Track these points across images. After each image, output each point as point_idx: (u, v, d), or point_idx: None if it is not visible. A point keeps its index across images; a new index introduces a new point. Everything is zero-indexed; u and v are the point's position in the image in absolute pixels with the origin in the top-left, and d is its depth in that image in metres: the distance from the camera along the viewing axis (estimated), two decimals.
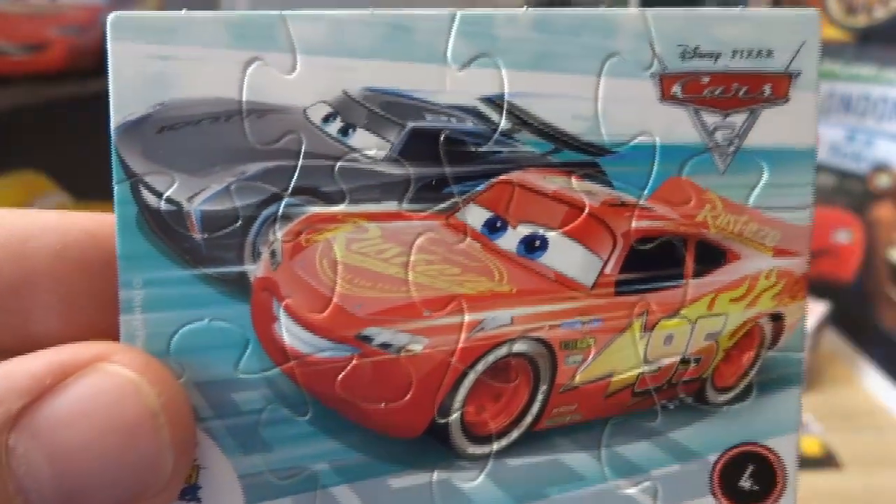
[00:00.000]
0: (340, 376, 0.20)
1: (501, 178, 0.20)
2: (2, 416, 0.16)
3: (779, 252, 0.21)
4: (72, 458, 0.17)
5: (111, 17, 0.19)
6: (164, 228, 0.19)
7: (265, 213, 0.19)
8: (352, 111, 0.19)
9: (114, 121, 0.19)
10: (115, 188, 0.19)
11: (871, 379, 0.77)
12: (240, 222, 0.19)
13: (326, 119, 0.19)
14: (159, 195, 0.19)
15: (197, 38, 0.19)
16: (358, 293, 0.20)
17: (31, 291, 0.19)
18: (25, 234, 0.19)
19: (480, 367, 0.20)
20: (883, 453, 0.68)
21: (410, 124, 0.19)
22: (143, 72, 0.19)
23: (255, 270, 0.19)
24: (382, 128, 0.19)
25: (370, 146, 0.19)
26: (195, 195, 0.19)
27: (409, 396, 0.20)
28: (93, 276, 0.19)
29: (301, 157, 0.19)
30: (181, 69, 0.19)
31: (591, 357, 0.21)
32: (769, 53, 0.20)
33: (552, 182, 0.20)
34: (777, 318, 0.21)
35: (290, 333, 0.20)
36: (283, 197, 0.19)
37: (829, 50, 0.75)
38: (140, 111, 0.19)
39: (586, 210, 0.20)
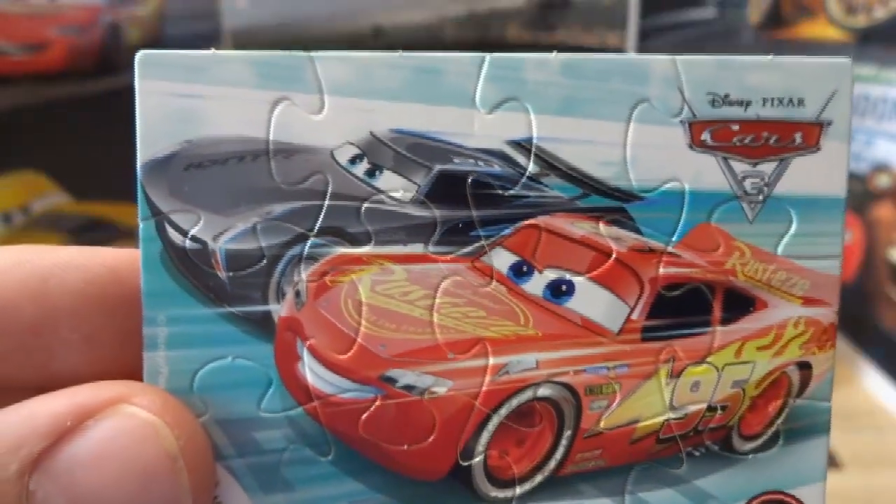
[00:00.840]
0: (363, 417, 0.20)
1: (528, 222, 0.20)
2: (23, 458, 0.16)
3: (807, 301, 0.21)
4: (91, 501, 0.17)
5: (139, 55, 0.19)
6: (188, 266, 0.19)
7: (290, 252, 0.19)
8: (379, 153, 0.19)
9: (140, 158, 0.19)
10: (141, 225, 0.19)
11: (871, 379, 0.77)
12: (265, 262, 0.19)
13: (353, 160, 0.19)
14: (185, 233, 0.19)
15: (224, 78, 0.19)
16: (382, 334, 0.20)
17: (53, 330, 0.19)
18: (47, 273, 0.19)
19: (504, 410, 0.20)
20: (883, 453, 0.68)
21: (438, 167, 0.19)
22: (170, 110, 0.19)
23: (280, 310, 0.20)
24: (409, 170, 0.19)
25: (397, 188, 0.20)
26: (220, 234, 0.19)
27: (432, 439, 0.20)
28: (115, 313, 0.19)
29: (327, 197, 0.19)
30: (208, 108, 0.19)
31: (616, 403, 0.21)
32: (800, 102, 0.20)
33: (579, 227, 0.20)
34: (805, 367, 0.22)
35: (313, 373, 0.20)
36: (309, 237, 0.19)
37: (829, 50, 0.75)
38: (167, 149, 0.19)
39: (613, 256, 0.20)
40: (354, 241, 0.19)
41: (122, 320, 0.19)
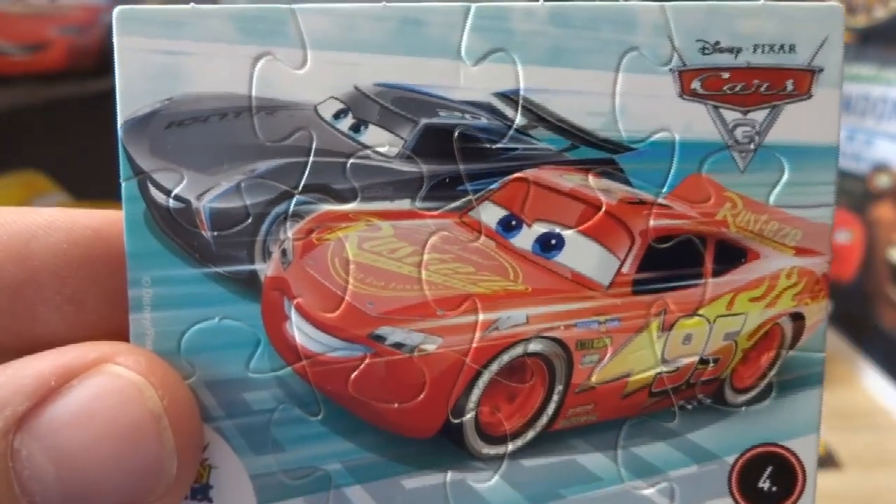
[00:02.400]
0: (353, 376, 0.20)
1: (517, 175, 0.20)
2: (8, 418, 0.16)
3: (800, 251, 0.21)
4: (75, 460, 0.17)
5: (117, 11, 0.19)
6: (172, 226, 0.19)
7: (275, 210, 0.19)
8: (363, 107, 0.19)
9: (120, 116, 0.19)
10: (123, 185, 0.19)
11: (871, 379, 0.77)
12: (250, 220, 0.19)
13: (337, 115, 0.19)
14: (168, 192, 0.19)
15: (204, 33, 0.19)
16: (370, 292, 0.20)
17: (36, 292, 0.18)
18: (28, 234, 0.18)
19: (495, 366, 0.20)
20: (883, 453, 0.68)
21: (423, 121, 0.19)
22: (150, 67, 0.18)
23: (266, 269, 0.19)
24: (395, 124, 0.19)
25: (382, 143, 0.19)
26: (204, 192, 0.19)
27: (422, 396, 0.20)
28: (99, 275, 0.19)
29: (312, 154, 0.19)
30: (189, 64, 0.18)
31: (607, 357, 0.21)
32: (791, 48, 0.19)
33: (568, 180, 0.20)
34: (798, 318, 0.22)
35: (301, 332, 0.20)
36: (294, 195, 0.19)
37: None
38: (147, 107, 0.19)
39: (603, 208, 0.20)
40: (340, 197, 0.19)
41: (107, 282, 0.19)
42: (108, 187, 1.04)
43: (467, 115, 0.19)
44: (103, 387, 0.17)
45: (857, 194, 0.77)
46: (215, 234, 0.19)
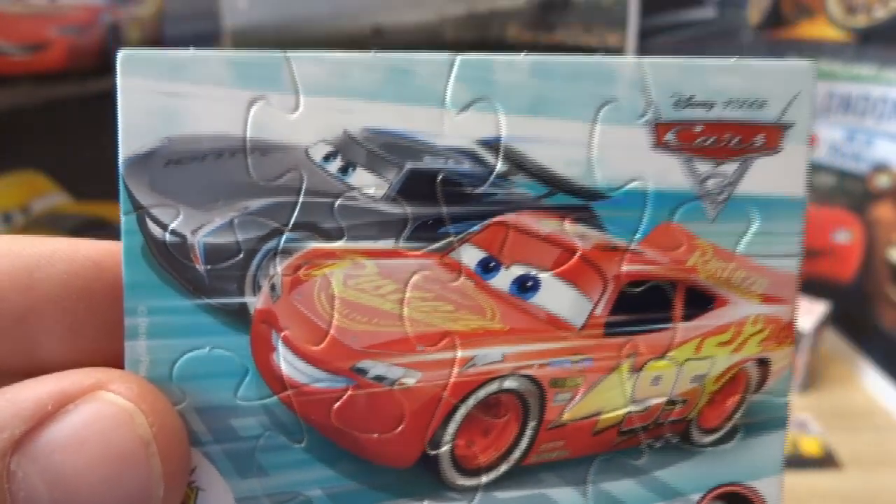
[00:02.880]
0: (335, 406, 0.20)
1: (496, 219, 0.20)
2: (5, 441, 0.17)
3: (766, 299, 0.21)
4: (68, 484, 0.17)
5: (121, 54, 0.20)
6: (168, 259, 0.20)
7: (266, 247, 0.20)
8: (352, 150, 0.20)
9: (122, 154, 0.20)
10: (123, 219, 0.20)
11: (871, 379, 0.77)
12: (241, 255, 0.20)
13: (327, 158, 0.20)
14: (165, 227, 0.20)
15: (203, 77, 0.20)
16: (354, 327, 0.20)
17: (38, 319, 0.19)
18: (32, 264, 0.19)
19: (471, 401, 0.21)
20: (882, 453, 0.68)
21: (409, 165, 0.20)
22: (151, 107, 0.19)
23: (256, 302, 0.20)
24: (381, 167, 0.20)
25: (369, 185, 0.20)
26: (199, 228, 0.20)
27: (401, 428, 0.21)
28: (98, 305, 0.19)
29: (302, 193, 0.20)
30: (188, 106, 0.19)
31: (579, 396, 0.21)
32: (763, 104, 0.20)
33: (545, 225, 0.21)
34: (763, 364, 0.22)
35: (287, 364, 0.20)
36: (284, 232, 0.20)
37: (829, 50, 0.75)
38: (147, 145, 0.20)
39: (578, 253, 0.21)
40: (328, 236, 0.20)
41: (105, 311, 0.20)
42: (107, 187, 1.03)
43: (450, 161, 0.20)
44: (97, 412, 0.18)
45: (857, 194, 0.77)
46: (208, 267, 0.20)
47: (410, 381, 0.20)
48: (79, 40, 0.78)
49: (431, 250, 0.20)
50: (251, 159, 0.20)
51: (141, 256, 0.20)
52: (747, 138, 0.20)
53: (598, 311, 0.21)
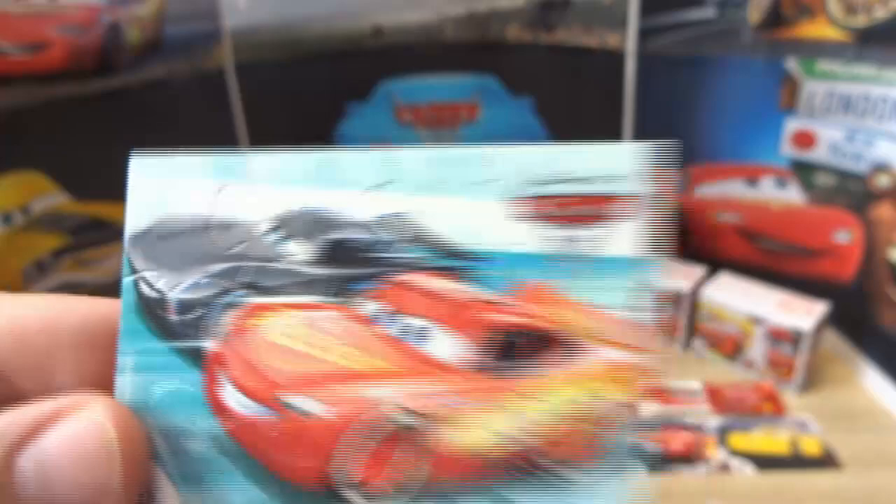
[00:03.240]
0: (266, 434, 0.25)
1: (395, 278, 0.26)
2: (12, 442, 0.22)
3: (623, 346, 0.25)
4: (50, 480, 0.22)
5: (134, 160, 0.26)
6: (151, 311, 0.25)
7: (221, 301, 0.26)
8: (289, 225, 0.26)
9: (127, 231, 0.25)
10: (123, 281, 0.26)
11: (871, 379, 0.77)
12: (203, 308, 0.25)
13: (269, 231, 0.26)
14: (151, 286, 0.26)
15: (189, 173, 0.26)
16: (282, 367, 0.26)
17: (56, 357, 0.24)
18: (57, 315, 0.25)
19: (373, 434, 0.25)
20: (883, 453, 0.68)
21: (331, 236, 0.26)
22: (150, 196, 0.26)
23: (210, 346, 0.25)
24: (311, 238, 0.26)
25: (299, 252, 0.26)
26: (175, 287, 0.26)
27: (313, 455, 0.25)
28: (103, 349, 0.25)
29: (249, 260, 0.26)
30: (175, 194, 0.26)
31: (461, 431, 0.25)
32: (614, 179, 0.25)
33: (434, 282, 0.25)
34: (620, 405, 0.25)
35: (231, 397, 0.25)
36: (234, 290, 0.26)
37: (830, 50, 0.75)
38: (144, 224, 0.26)
39: (461, 306, 0.25)
40: (266, 292, 0.26)
41: (107, 354, 0.25)
42: (107, 187, 1.03)
43: (363, 231, 0.26)
44: (80, 426, 0.22)
45: (857, 194, 0.77)
46: (179, 318, 0.25)
47: (321, 412, 0.25)
48: (79, 40, 0.78)
49: (343, 303, 0.25)
50: (215, 233, 0.26)
51: (134, 309, 0.25)
52: (601, 208, 0.25)
53: (478, 356, 0.25)
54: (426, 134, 0.99)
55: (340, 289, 0.25)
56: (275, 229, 0.26)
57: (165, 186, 0.25)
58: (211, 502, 0.25)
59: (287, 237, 0.26)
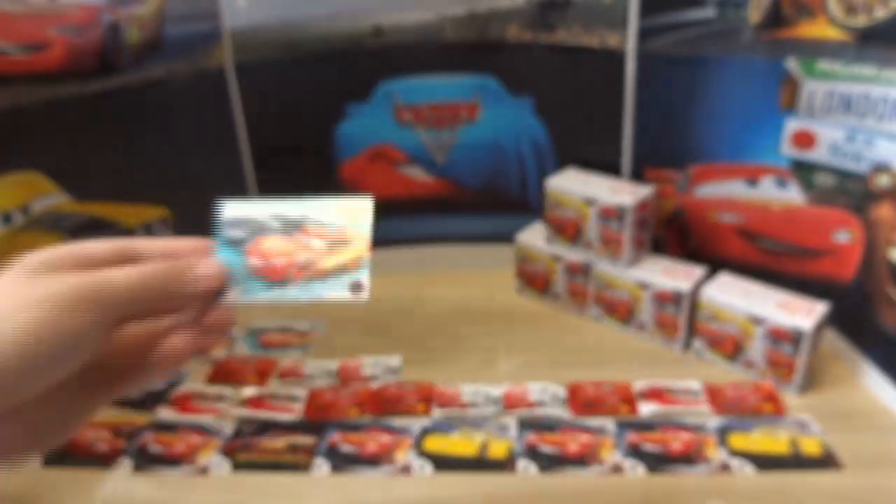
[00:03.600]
0: (258, 269, 0.45)
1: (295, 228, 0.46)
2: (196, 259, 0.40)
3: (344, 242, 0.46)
4: (200, 285, 0.39)
5: (223, 207, 0.47)
6: (226, 241, 0.46)
7: (242, 238, 0.46)
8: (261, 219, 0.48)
9: (221, 217, 0.45)
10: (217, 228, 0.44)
11: (871, 379, 0.77)
12: (242, 237, 0.46)
13: (259, 221, 0.47)
14: (228, 235, 0.46)
15: (237, 205, 0.45)
16: (269, 251, 0.45)
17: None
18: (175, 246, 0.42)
19: (289, 270, 0.45)
20: (883, 453, 0.68)
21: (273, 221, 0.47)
22: (226, 210, 0.46)
23: (245, 247, 0.45)
24: (272, 223, 0.47)
25: (273, 224, 0.46)
26: (231, 232, 0.47)
27: (277, 273, 0.44)
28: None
29: (251, 228, 0.46)
30: (231, 209, 0.45)
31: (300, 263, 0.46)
32: (348, 224, 0.43)
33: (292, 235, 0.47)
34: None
35: (252, 261, 0.45)
36: (247, 237, 0.46)
37: (830, 50, 0.75)
38: (224, 217, 0.45)
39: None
40: (257, 234, 0.47)
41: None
42: (107, 187, 1.03)
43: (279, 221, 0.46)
44: (214, 262, 0.41)
45: (857, 194, 0.77)
46: (234, 239, 0.46)
47: (280, 263, 0.44)
48: (79, 40, 0.78)
49: (285, 234, 0.45)
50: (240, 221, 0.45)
51: (221, 239, 0.43)
52: (338, 243, 0.43)
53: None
54: (426, 134, 0.98)
55: (284, 231, 0.43)
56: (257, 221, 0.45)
57: (231, 207, 0.43)
58: (241, 292, 0.42)
59: (262, 222, 0.45)
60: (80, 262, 0.34)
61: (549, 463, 0.68)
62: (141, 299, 0.35)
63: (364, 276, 0.44)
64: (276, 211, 0.45)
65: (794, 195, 0.83)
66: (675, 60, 0.85)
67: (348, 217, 0.44)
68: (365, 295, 0.44)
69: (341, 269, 0.44)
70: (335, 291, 0.44)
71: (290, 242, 0.44)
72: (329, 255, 0.43)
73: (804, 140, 0.80)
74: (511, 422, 0.74)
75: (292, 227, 0.44)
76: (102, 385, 0.36)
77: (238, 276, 0.42)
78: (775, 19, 0.78)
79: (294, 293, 0.43)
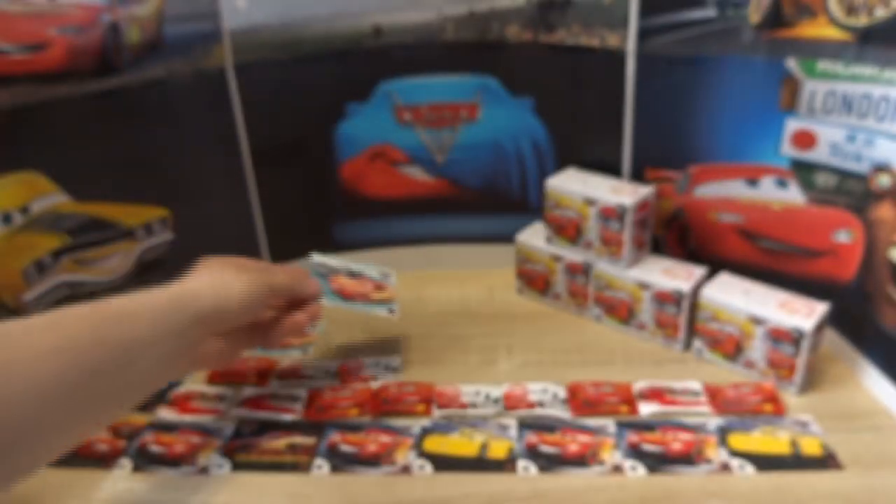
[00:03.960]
0: (337, 286, 0.82)
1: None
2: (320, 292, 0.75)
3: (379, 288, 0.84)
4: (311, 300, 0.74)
5: (311, 260, 0.88)
6: (316, 272, 0.85)
7: (322, 274, 0.85)
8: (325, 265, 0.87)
9: (312, 259, 0.81)
10: (311, 263, 0.76)
11: (872, 379, 0.77)
12: (321, 274, 0.84)
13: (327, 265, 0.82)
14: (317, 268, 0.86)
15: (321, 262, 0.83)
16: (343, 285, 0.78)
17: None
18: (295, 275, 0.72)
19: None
20: (884, 454, 0.68)
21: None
22: (312, 264, 0.85)
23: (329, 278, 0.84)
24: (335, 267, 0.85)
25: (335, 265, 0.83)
26: (317, 269, 0.86)
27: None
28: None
29: (327, 270, 0.85)
30: (317, 264, 0.85)
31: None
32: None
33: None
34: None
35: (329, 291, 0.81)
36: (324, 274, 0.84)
37: (830, 50, 0.75)
38: (314, 260, 0.82)
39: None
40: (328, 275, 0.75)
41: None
42: (107, 187, 1.03)
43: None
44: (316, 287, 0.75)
45: (857, 194, 0.77)
46: (318, 273, 0.85)
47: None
48: (78, 40, 0.78)
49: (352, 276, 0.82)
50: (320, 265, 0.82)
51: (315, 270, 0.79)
52: (379, 286, 0.78)
53: None
54: (426, 134, 0.98)
55: (349, 275, 0.75)
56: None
57: (316, 256, 0.74)
58: (325, 299, 0.72)
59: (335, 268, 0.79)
60: (258, 266, 0.68)
61: (549, 463, 0.68)
62: (286, 291, 0.70)
63: (395, 306, 0.81)
64: (344, 264, 0.81)
65: (794, 195, 0.83)
66: (675, 60, 0.85)
67: (384, 275, 0.83)
68: (396, 315, 0.80)
69: (381, 300, 0.80)
70: (377, 310, 0.80)
71: (355, 281, 0.80)
72: (375, 292, 0.80)
73: (804, 140, 0.80)
74: (511, 422, 0.74)
75: (355, 274, 0.83)
76: (256, 335, 0.70)
77: (323, 290, 0.73)
78: (776, 19, 0.78)
79: (354, 306, 0.78)
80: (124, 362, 0.51)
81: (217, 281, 0.62)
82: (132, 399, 0.56)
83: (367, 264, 0.84)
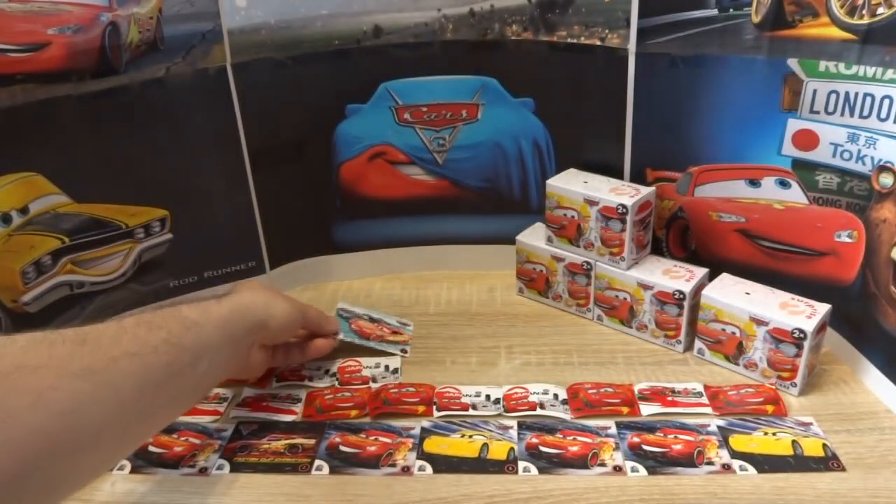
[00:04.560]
0: (356, 327, 0.88)
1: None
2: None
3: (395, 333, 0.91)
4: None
5: (339, 306, 0.96)
6: (342, 316, 0.92)
7: (347, 318, 0.92)
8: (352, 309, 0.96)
9: (340, 306, 0.90)
10: (338, 311, 0.84)
11: (874, 380, 0.76)
12: (346, 318, 0.92)
13: (358, 310, 0.96)
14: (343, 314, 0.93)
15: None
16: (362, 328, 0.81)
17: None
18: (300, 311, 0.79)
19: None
20: (886, 454, 0.68)
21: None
22: (340, 310, 0.94)
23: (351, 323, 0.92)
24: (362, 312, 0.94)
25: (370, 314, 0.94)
26: (342, 313, 0.95)
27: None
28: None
29: (353, 315, 0.94)
30: (345, 310, 0.94)
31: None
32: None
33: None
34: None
35: (345, 330, 0.89)
36: (350, 318, 0.92)
37: (832, 49, 0.75)
38: (340, 306, 0.93)
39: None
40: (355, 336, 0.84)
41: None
42: (106, 188, 1.03)
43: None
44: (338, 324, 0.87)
45: (859, 194, 0.77)
46: (342, 318, 0.93)
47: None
48: (78, 40, 0.78)
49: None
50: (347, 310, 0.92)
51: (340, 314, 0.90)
52: (395, 331, 0.87)
53: None
54: (426, 134, 0.98)
55: (370, 320, 0.89)
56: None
57: (343, 304, 0.85)
58: (343, 334, 0.82)
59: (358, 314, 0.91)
60: (291, 297, 0.77)
61: (549, 464, 0.68)
62: (314, 322, 0.80)
63: (408, 347, 0.87)
64: (366, 311, 0.92)
65: (795, 195, 0.83)
66: (675, 60, 0.84)
67: (402, 324, 0.91)
68: (407, 354, 0.86)
69: (396, 342, 0.87)
70: (390, 349, 0.85)
71: (374, 324, 0.89)
72: (391, 335, 0.88)
73: (806, 140, 0.79)
74: (512, 423, 0.74)
75: (375, 319, 0.90)
76: (280, 353, 0.80)
77: (343, 328, 0.85)
78: (777, 19, 0.78)
79: (368, 343, 0.85)
80: (194, 364, 0.58)
81: (265, 298, 0.71)
82: (191, 400, 0.63)
83: (387, 314, 0.93)
